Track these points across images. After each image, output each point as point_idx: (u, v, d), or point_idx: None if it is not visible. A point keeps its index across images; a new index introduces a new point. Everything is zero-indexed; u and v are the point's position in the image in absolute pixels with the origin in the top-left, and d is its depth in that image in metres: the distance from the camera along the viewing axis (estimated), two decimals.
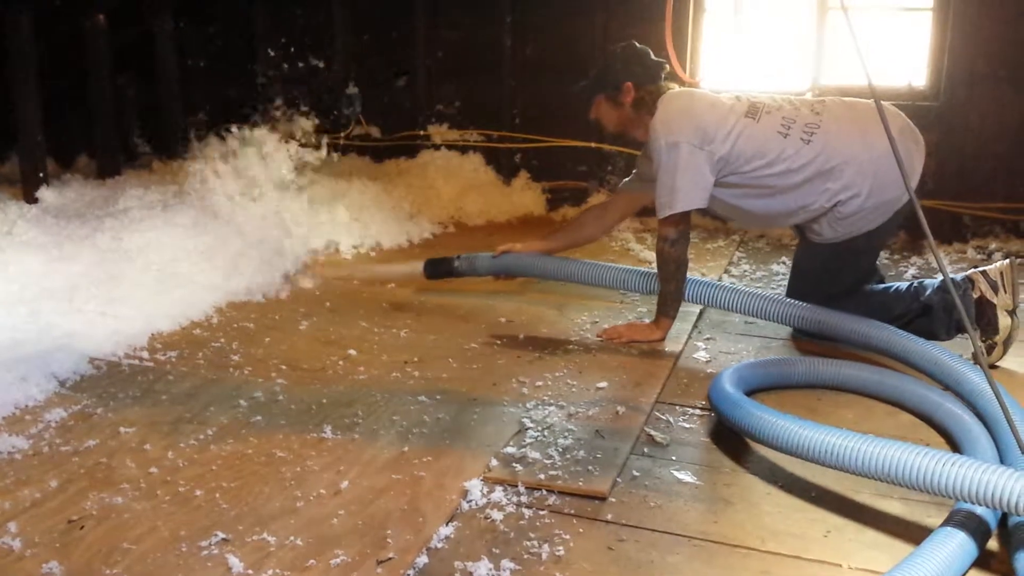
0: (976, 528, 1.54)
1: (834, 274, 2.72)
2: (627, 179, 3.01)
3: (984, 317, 2.55)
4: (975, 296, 2.56)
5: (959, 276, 2.64)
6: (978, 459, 1.56)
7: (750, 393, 2.20)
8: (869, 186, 2.55)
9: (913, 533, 1.67)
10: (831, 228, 2.64)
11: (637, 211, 3.15)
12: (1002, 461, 1.81)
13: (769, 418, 1.84)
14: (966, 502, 1.53)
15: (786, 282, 3.01)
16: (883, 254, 3.66)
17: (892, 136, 1.87)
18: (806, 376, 2.40)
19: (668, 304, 2.75)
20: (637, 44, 2.80)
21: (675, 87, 2.76)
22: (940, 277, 2.68)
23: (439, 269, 3.24)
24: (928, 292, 2.62)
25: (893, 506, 1.78)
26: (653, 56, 2.78)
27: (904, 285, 2.71)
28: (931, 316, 2.61)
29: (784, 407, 2.26)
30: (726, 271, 3.68)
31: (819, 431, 1.72)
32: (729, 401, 2.03)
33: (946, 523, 1.57)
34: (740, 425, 1.94)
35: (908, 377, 2.32)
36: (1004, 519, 1.64)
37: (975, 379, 2.13)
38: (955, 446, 2.02)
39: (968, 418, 2.02)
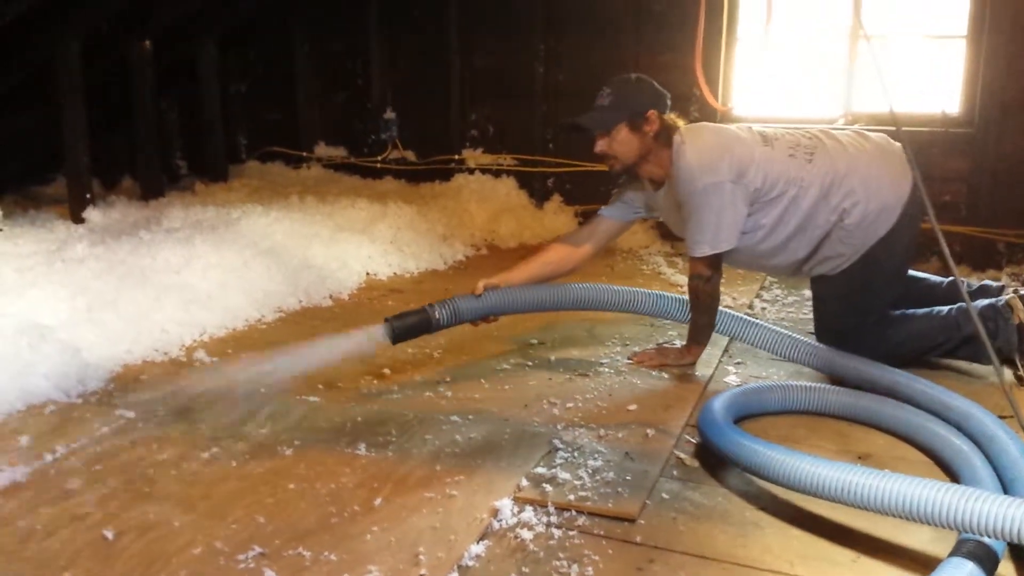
0: (985, 557, 1.53)
1: (863, 290, 2.66)
2: (608, 206, 2.90)
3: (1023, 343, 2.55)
4: (1015, 323, 2.56)
5: (1000, 301, 2.63)
6: (983, 487, 1.56)
7: (741, 420, 2.23)
8: (866, 191, 2.56)
9: (942, 559, 1.67)
10: (843, 244, 2.61)
11: (617, 239, 3.07)
12: (1000, 477, 1.84)
13: (772, 454, 1.84)
14: (986, 537, 1.51)
15: None
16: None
17: (911, 158, 1.89)
18: (783, 402, 2.40)
19: (700, 333, 2.75)
20: (643, 76, 2.71)
21: (681, 122, 2.69)
22: (981, 303, 2.67)
23: (410, 326, 2.53)
24: (969, 322, 2.59)
25: (923, 531, 1.77)
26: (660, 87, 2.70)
27: (945, 310, 2.68)
28: (973, 344, 2.60)
29: (816, 433, 2.28)
30: (757, 295, 3.68)
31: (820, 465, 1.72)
32: (730, 437, 2.01)
33: (954, 553, 1.56)
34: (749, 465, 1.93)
35: (889, 400, 2.32)
36: (1013, 547, 1.64)
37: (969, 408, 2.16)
38: (944, 466, 2.05)
39: (957, 440, 2.04)
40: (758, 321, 2.80)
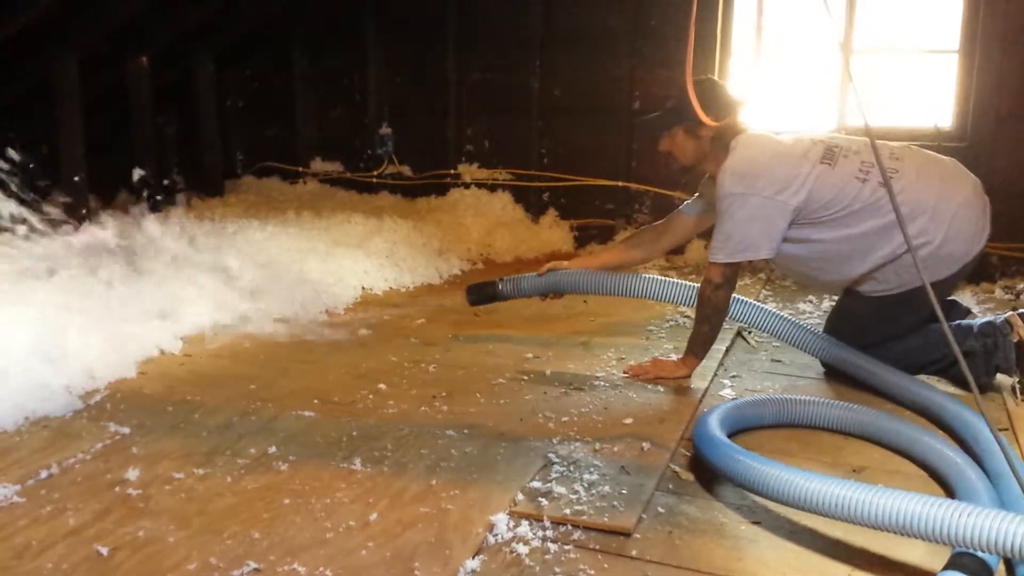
0: (979, 570, 1.53)
1: (890, 321, 2.66)
2: (688, 201, 2.98)
3: (1022, 361, 2.55)
4: (1014, 341, 2.56)
5: (999, 318, 2.63)
6: (977, 502, 1.56)
7: (735, 434, 2.23)
8: (943, 235, 2.52)
9: (937, 573, 1.67)
10: (896, 275, 2.59)
11: (697, 234, 3.12)
12: (997, 489, 1.85)
13: (766, 468, 1.83)
14: (982, 553, 1.52)
15: (813, 320, 3.00)
16: None
17: (892, 190, 1.93)
18: (777, 416, 2.40)
19: (698, 344, 2.75)
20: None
21: (749, 128, 2.71)
22: (979, 320, 2.67)
23: (482, 294, 3.20)
24: (968, 339, 2.60)
25: (918, 546, 1.77)
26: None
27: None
28: (972, 360, 2.58)
29: (811, 446, 2.28)
30: None
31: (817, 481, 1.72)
32: (724, 451, 2.00)
33: (948, 567, 1.56)
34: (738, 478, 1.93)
35: (884, 414, 2.33)
36: (1006, 561, 1.64)
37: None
38: (939, 480, 2.05)
39: (951, 453, 2.05)
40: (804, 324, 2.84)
